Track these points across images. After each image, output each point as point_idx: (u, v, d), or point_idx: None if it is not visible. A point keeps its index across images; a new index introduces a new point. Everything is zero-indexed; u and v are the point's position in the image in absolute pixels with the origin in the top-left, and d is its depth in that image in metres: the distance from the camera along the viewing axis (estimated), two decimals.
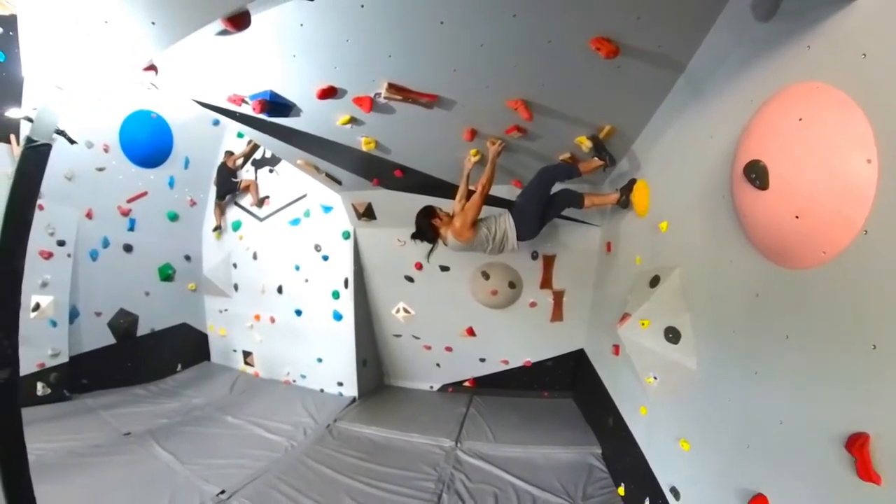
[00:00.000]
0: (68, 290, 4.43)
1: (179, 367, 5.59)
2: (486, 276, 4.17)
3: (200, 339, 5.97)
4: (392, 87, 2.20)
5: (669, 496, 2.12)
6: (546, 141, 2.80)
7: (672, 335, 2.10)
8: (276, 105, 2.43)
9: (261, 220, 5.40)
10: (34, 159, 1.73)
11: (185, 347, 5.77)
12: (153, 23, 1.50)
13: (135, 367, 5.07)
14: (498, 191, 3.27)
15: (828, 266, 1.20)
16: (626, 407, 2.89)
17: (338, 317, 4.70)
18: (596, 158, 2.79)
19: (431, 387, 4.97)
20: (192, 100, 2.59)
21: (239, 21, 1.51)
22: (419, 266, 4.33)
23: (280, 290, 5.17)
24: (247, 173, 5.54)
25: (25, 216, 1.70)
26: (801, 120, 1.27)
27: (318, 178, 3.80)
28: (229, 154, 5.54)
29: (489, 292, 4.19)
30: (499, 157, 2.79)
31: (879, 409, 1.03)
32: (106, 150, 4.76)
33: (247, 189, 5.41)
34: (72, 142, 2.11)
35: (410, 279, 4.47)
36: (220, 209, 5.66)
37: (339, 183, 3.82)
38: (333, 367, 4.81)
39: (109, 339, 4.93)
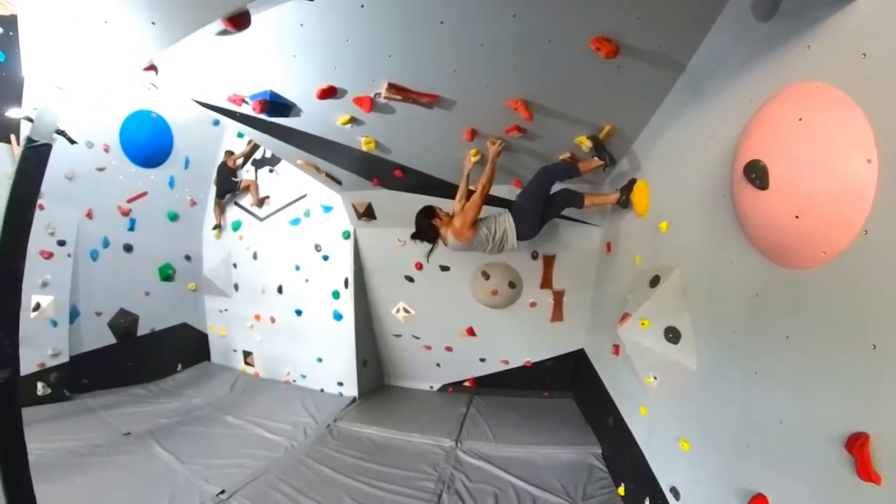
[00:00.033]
0: (69, 290, 4.43)
1: (180, 366, 5.59)
2: (486, 275, 4.17)
3: (201, 338, 5.97)
4: (392, 87, 2.20)
5: (669, 496, 2.12)
6: (546, 141, 2.80)
7: (672, 335, 2.10)
8: (276, 105, 2.43)
9: (261, 219, 5.40)
10: (34, 159, 1.73)
11: (186, 347, 5.77)
12: (153, 23, 1.50)
13: (135, 367, 5.08)
14: (498, 191, 3.27)
15: (828, 266, 1.20)
16: (626, 407, 2.89)
17: (338, 317, 4.70)
18: (596, 158, 2.79)
19: (431, 387, 4.97)
20: (192, 100, 2.59)
21: (239, 21, 1.51)
22: (419, 266, 4.33)
23: (280, 289, 5.17)
24: (247, 173, 5.55)
25: (26, 216, 1.71)
26: (801, 120, 1.26)
27: (318, 178, 3.80)
28: (229, 153, 5.54)
29: (489, 292, 4.19)
30: (499, 157, 2.79)
31: (879, 409, 1.03)
32: (106, 150, 4.76)
33: (247, 189, 5.42)
34: (72, 142, 2.11)
35: (410, 279, 4.48)
36: (220, 208, 5.66)
37: (340, 183, 3.82)
38: (333, 367, 4.81)
39: (110, 339, 4.94)
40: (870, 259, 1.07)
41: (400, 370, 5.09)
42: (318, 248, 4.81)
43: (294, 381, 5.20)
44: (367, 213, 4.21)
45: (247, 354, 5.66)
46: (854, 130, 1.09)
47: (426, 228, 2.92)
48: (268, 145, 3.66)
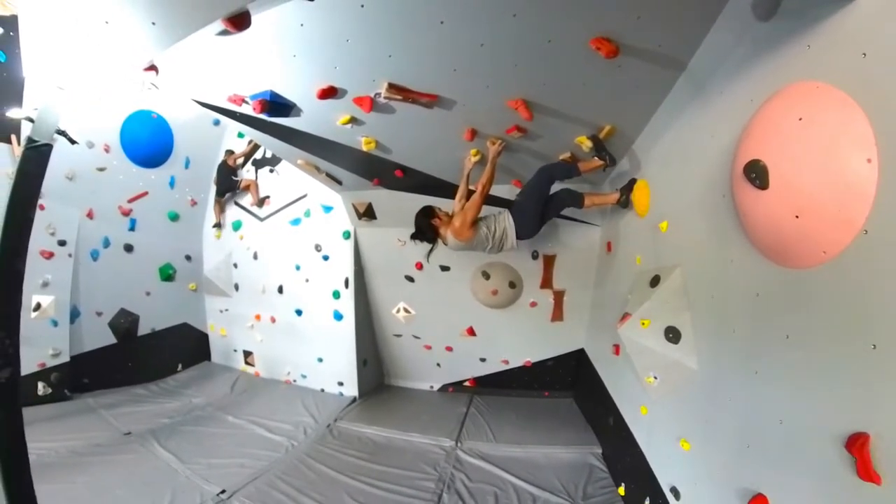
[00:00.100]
0: (69, 290, 4.43)
1: (180, 366, 5.60)
2: (486, 275, 4.17)
3: (201, 338, 5.98)
4: (392, 87, 2.21)
5: (670, 496, 2.12)
6: (546, 141, 2.80)
7: (672, 335, 2.10)
8: (276, 105, 2.43)
9: (261, 219, 5.41)
10: (35, 159, 1.73)
11: (186, 347, 5.77)
12: (153, 23, 1.50)
13: (136, 367, 5.08)
14: (498, 190, 3.27)
15: (828, 266, 1.20)
16: (627, 407, 2.89)
17: (338, 316, 4.70)
18: (596, 158, 2.79)
19: (432, 386, 4.97)
20: (193, 100, 2.59)
21: (239, 21, 1.51)
22: (419, 266, 4.33)
23: (280, 289, 5.18)
24: (247, 173, 5.55)
25: (27, 216, 1.71)
26: (801, 119, 1.26)
27: (318, 178, 3.80)
28: (230, 153, 5.55)
29: (489, 292, 4.19)
30: (499, 157, 2.79)
31: (879, 409, 1.03)
32: (107, 150, 4.76)
33: (247, 188, 5.42)
34: (73, 142, 2.11)
35: (411, 279, 4.48)
36: (220, 206, 5.67)
37: (340, 183, 3.82)
38: (334, 367, 4.81)
39: (110, 339, 4.94)
40: (870, 259, 1.07)
41: (400, 370, 5.09)
42: (318, 248, 4.82)
43: (294, 380, 5.20)
44: (368, 213, 4.21)
45: (247, 354, 5.66)
46: (854, 130, 1.09)
47: (426, 228, 2.92)
48: (268, 145, 3.66)
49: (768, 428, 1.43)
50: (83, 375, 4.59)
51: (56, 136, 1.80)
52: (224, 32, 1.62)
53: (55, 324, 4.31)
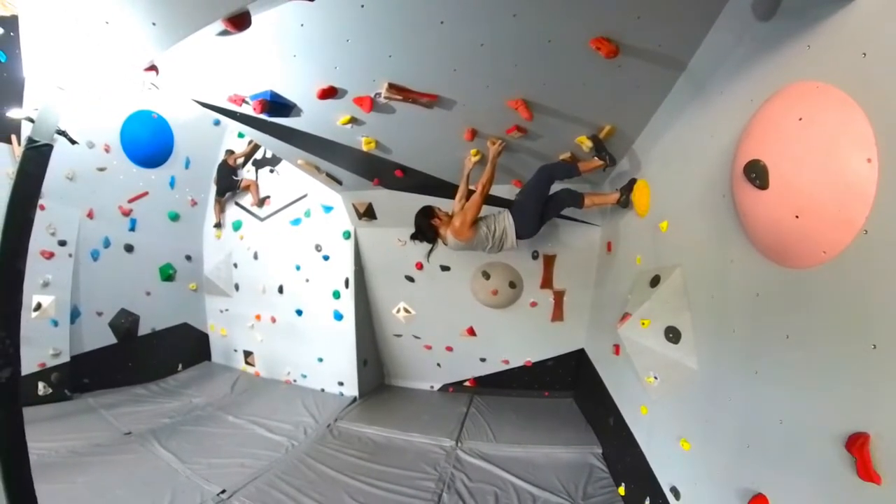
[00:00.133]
0: (69, 290, 4.44)
1: (180, 366, 5.60)
2: (486, 275, 4.17)
3: (201, 338, 5.98)
4: (392, 87, 2.21)
5: (670, 496, 2.12)
6: (546, 141, 2.80)
7: (672, 335, 2.10)
8: (276, 105, 2.43)
9: (261, 220, 5.41)
10: (35, 159, 1.73)
11: (186, 347, 5.77)
12: (154, 23, 1.51)
13: (136, 367, 5.08)
14: (498, 190, 3.28)
15: (828, 266, 1.20)
16: (627, 406, 2.89)
17: (338, 316, 4.70)
18: (596, 158, 2.79)
19: (432, 386, 4.97)
20: (193, 100, 2.60)
21: (239, 22, 1.51)
22: (420, 266, 4.33)
23: (281, 289, 5.18)
24: (248, 173, 5.55)
25: (27, 216, 1.71)
26: (801, 119, 1.26)
27: (318, 178, 3.80)
28: (230, 153, 5.55)
29: (490, 292, 4.19)
30: (499, 157, 2.79)
31: (879, 409, 1.03)
32: (107, 151, 4.76)
33: (247, 188, 5.42)
34: (73, 142, 2.12)
35: (411, 279, 4.48)
36: (220, 206, 5.67)
37: (340, 183, 3.82)
38: (334, 367, 4.81)
39: (111, 339, 4.94)
40: (870, 259, 1.07)
41: (400, 370, 5.09)
42: (318, 248, 4.82)
43: (295, 380, 5.20)
44: (368, 213, 4.21)
45: (247, 354, 5.66)
46: (854, 130, 1.09)
47: (426, 228, 2.92)
48: (268, 145, 3.66)
49: (768, 428, 1.43)
50: (83, 375, 4.59)
51: (56, 136, 1.80)
52: (224, 33, 1.62)
53: (55, 324, 4.31)
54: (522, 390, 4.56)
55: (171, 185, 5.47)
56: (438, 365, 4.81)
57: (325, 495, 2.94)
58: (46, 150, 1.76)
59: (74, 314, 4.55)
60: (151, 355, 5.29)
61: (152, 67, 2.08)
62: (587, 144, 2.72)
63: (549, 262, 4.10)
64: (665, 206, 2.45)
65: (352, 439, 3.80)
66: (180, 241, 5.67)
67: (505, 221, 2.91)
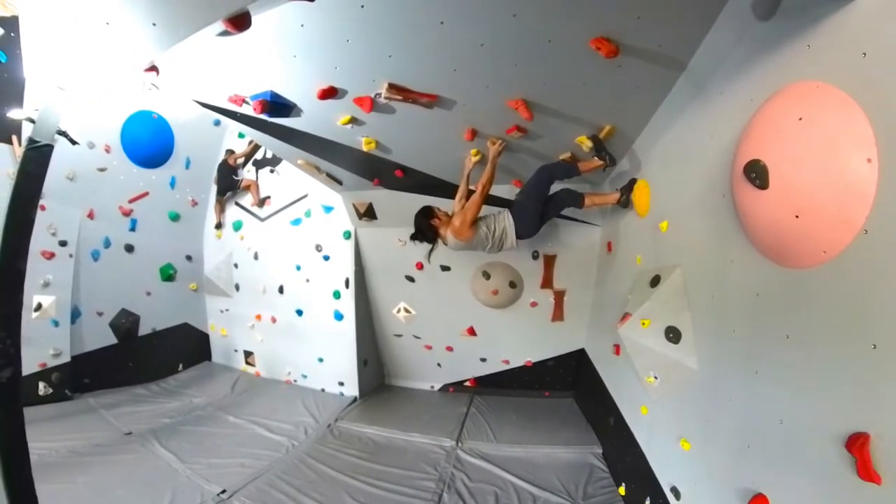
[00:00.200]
0: (70, 290, 4.44)
1: (181, 366, 5.60)
2: (486, 275, 4.17)
3: (202, 338, 5.98)
4: (392, 88, 2.21)
5: (670, 496, 2.12)
6: (546, 141, 2.80)
7: (673, 335, 2.10)
8: (276, 105, 2.43)
9: (262, 220, 5.41)
10: (36, 160, 1.73)
11: (187, 347, 5.78)
12: (154, 24, 1.51)
13: (136, 367, 5.08)
14: (498, 190, 3.28)
15: (828, 266, 1.20)
16: (627, 406, 2.89)
17: (339, 317, 4.71)
18: (596, 158, 2.79)
19: (432, 386, 4.97)
20: (193, 100, 2.60)
21: (239, 22, 1.51)
22: (420, 266, 4.33)
23: (281, 290, 5.18)
24: (248, 173, 5.56)
25: (28, 216, 1.71)
26: (801, 119, 1.26)
27: (318, 179, 3.80)
28: (230, 152, 5.56)
29: (490, 292, 4.19)
30: (499, 157, 2.79)
31: (880, 409, 1.03)
32: (107, 151, 4.77)
33: (248, 189, 5.43)
34: (73, 142, 2.12)
35: (411, 279, 4.48)
36: (221, 205, 5.67)
37: (340, 183, 3.82)
38: (334, 367, 4.81)
39: (111, 339, 4.94)
40: (870, 259, 1.07)
41: (401, 370, 5.10)
42: (318, 248, 4.82)
43: (295, 380, 5.20)
44: (368, 213, 4.21)
45: (248, 354, 5.67)
46: (854, 130, 1.09)
47: (425, 229, 2.92)
48: (268, 145, 3.66)
49: (768, 428, 1.43)
50: (84, 375, 4.60)
51: (57, 136, 1.81)
52: (224, 33, 1.62)
53: (56, 324, 4.32)
54: (523, 390, 4.56)
55: (172, 185, 5.48)
56: (439, 365, 4.81)
57: (326, 495, 2.94)
58: (47, 150, 1.76)
59: (75, 314, 4.56)
60: (152, 355, 5.29)
61: (152, 68, 2.08)
62: (587, 144, 2.72)
63: (550, 262, 4.10)
64: (665, 206, 2.45)
65: (352, 439, 3.81)
66: (181, 242, 5.67)
67: (505, 221, 2.91)
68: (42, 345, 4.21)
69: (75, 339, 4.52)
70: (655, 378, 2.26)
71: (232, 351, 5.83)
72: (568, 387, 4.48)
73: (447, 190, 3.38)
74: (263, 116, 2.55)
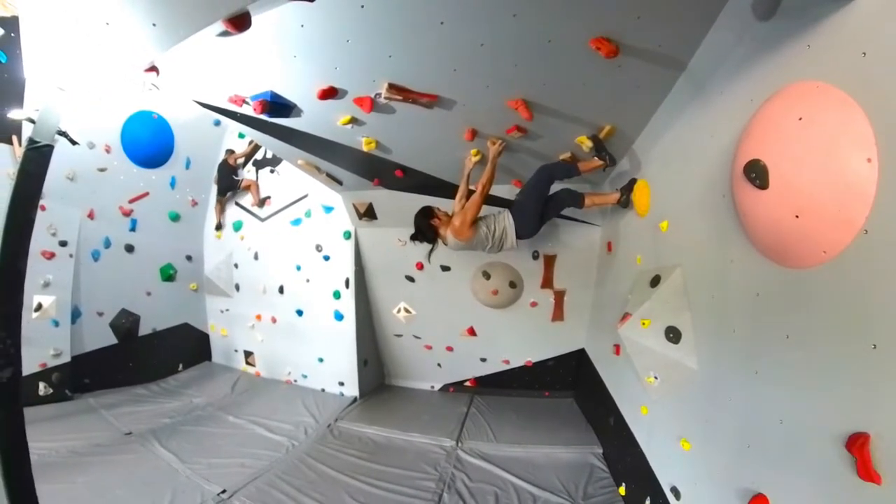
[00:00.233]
0: (70, 291, 4.44)
1: (181, 366, 5.60)
2: (486, 275, 4.17)
3: (202, 339, 5.98)
4: (392, 88, 2.21)
5: (670, 496, 2.12)
6: (546, 141, 2.80)
7: (673, 335, 2.10)
8: (276, 106, 2.43)
9: (262, 220, 5.41)
10: (36, 160, 1.74)
11: (187, 347, 5.78)
12: (154, 24, 1.51)
13: (136, 367, 5.09)
14: (498, 190, 3.28)
15: (828, 265, 1.20)
16: (627, 406, 2.89)
17: (339, 317, 4.71)
18: (596, 158, 2.79)
19: (432, 386, 4.97)
20: (193, 100, 2.60)
21: (240, 22, 1.52)
22: (420, 266, 4.33)
23: (281, 290, 5.18)
24: (248, 173, 5.56)
25: (28, 216, 1.72)
26: (801, 119, 1.26)
27: (318, 179, 3.81)
28: (230, 152, 5.56)
29: (490, 292, 4.19)
30: (499, 157, 2.79)
31: (879, 409, 1.03)
32: (107, 151, 4.77)
33: (248, 189, 5.43)
34: (73, 142, 2.12)
35: (411, 279, 4.48)
36: (221, 205, 5.67)
37: (340, 183, 3.82)
38: (334, 367, 4.82)
39: (111, 339, 4.95)
40: (870, 259, 1.07)
41: (401, 370, 5.10)
42: (319, 248, 4.82)
43: (295, 380, 5.21)
44: (368, 214, 4.22)
45: (248, 354, 5.67)
46: (854, 130, 1.09)
47: (425, 229, 2.92)
48: (269, 146, 3.66)
49: (768, 428, 1.43)
50: (84, 375, 4.60)
51: (57, 136, 1.81)
52: (225, 33, 1.62)
53: (56, 324, 4.32)
54: (523, 390, 4.56)
55: (172, 185, 5.48)
56: (439, 365, 4.81)
57: (326, 495, 2.94)
58: (47, 150, 1.76)
59: (75, 314, 4.56)
60: (152, 355, 5.30)
61: (153, 68, 2.08)
62: (587, 144, 2.72)
63: (550, 262, 4.10)
64: (665, 206, 2.45)
65: (352, 439, 3.81)
66: (181, 242, 5.67)
67: (505, 221, 2.91)
68: (42, 345, 4.21)
69: (75, 339, 4.52)
70: (655, 378, 2.26)
71: (232, 351, 5.83)
72: (568, 387, 4.48)
73: (447, 190, 3.38)
74: (263, 117, 2.55)
